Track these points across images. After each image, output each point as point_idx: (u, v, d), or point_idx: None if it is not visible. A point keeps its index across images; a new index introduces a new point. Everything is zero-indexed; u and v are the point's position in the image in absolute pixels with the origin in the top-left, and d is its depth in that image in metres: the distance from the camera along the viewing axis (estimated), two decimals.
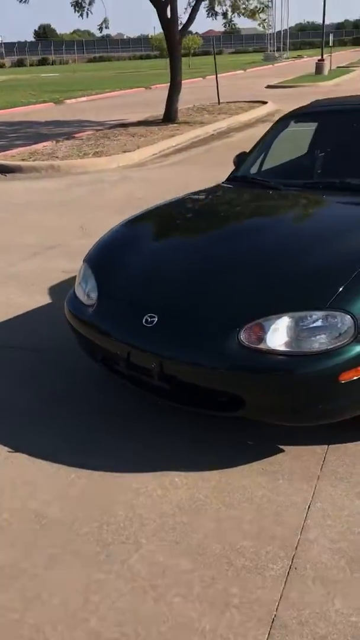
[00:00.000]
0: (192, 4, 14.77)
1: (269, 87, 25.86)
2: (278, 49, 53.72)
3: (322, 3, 29.08)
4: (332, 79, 27.99)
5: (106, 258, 3.32)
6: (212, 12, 16.29)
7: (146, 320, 2.77)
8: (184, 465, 2.80)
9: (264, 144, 4.30)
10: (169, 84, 15.43)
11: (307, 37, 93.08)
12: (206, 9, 15.96)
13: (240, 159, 4.46)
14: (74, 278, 5.20)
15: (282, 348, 2.50)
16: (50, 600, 2.16)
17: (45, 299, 4.85)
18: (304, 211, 3.37)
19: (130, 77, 36.74)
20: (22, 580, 2.25)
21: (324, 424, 2.75)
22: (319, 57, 31.73)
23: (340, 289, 2.53)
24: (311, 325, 2.50)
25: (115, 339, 2.87)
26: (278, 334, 2.51)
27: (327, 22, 33.74)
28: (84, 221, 7.10)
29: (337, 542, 2.32)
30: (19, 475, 2.82)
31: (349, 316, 2.47)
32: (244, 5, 16.02)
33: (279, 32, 51.90)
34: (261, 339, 2.52)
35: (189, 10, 14.82)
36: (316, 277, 2.66)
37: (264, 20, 16.80)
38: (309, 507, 2.51)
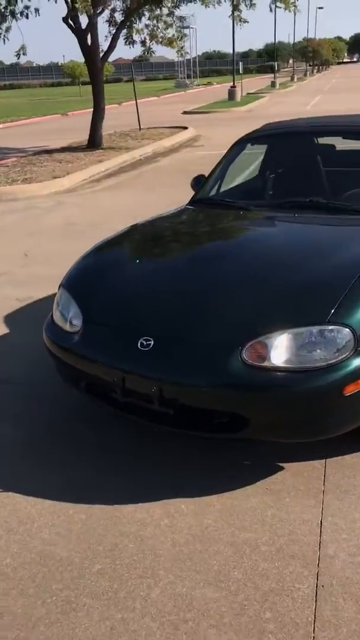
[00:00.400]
0: (113, 32, 14.88)
1: (185, 112, 26.40)
2: (188, 76, 54.99)
3: (232, 33, 30.06)
4: (245, 105, 28.94)
5: (86, 283, 3.23)
6: (130, 40, 16.46)
7: (141, 344, 2.70)
8: (186, 491, 2.74)
9: (223, 166, 4.35)
10: (85, 110, 15.47)
11: (214, 65, 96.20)
12: (124, 37, 16.11)
13: (198, 182, 4.49)
14: (31, 305, 5.09)
15: (286, 365, 2.50)
16: None
17: (4, 329, 4.67)
18: (283, 230, 3.41)
19: (45, 104, 36.56)
20: (40, 629, 2.11)
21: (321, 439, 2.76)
22: (231, 84, 32.73)
23: (337, 304, 2.56)
24: (312, 340, 2.52)
25: (108, 366, 2.78)
26: (281, 351, 2.51)
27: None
28: (25, 248, 6.93)
29: (357, 555, 2.32)
30: (13, 515, 2.66)
31: (347, 329, 2.50)
32: (161, 34, 16.29)
33: (188, 60, 53.15)
34: (265, 357, 2.51)
35: (110, 38, 14.92)
36: (311, 293, 2.69)
37: (182, 48, 17.13)
38: (321, 522, 2.50)
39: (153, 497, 2.71)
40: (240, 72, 34.01)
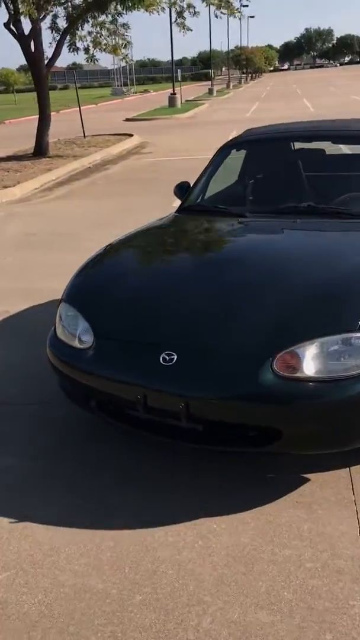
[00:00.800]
0: (57, 39, 14.64)
1: (127, 120, 26.33)
2: (124, 84, 54.94)
3: (170, 41, 30.18)
4: (186, 112, 29.10)
5: (93, 297, 3.10)
6: (73, 47, 16.23)
7: (164, 359, 2.60)
8: (213, 509, 2.64)
9: (210, 172, 4.29)
10: (23, 118, 15.17)
11: (148, 73, 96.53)
12: (67, 44, 15.88)
13: (182, 189, 4.41)
14: (9, 320, 4.87)
15: (318, 375, 2.45)
16: None
17: None
18: (288, 236, 3.35)
19: None
20: None
21: None
22: (170, 91, 32.85)
23: None
24: (343, 349, 2.48)
25: (127, 383, 2.66)
26: (312, 361, 2.46)
27: (167, 59, 35.07)
28: None
29: None
30: (36, 547, 2.50)
31: None
32: (105, 42, 16.15)
33: (124, 67, 53.10)
34: (297, 367, 2.45)
35: (54, 45, 14.68)
36: (336, 300, 2.66)
37: (126, 55, 17.05)
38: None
39: (181, 518, 2.60)
40: (179, 79, 34.13)
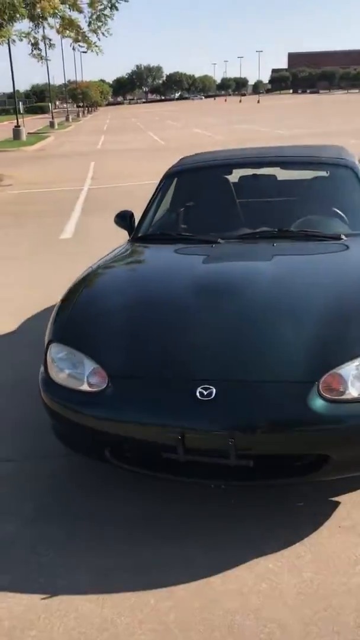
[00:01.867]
0: None
1: None
2: None
3: (11, 73, 29.58)
4: (34, 144, 28.68)
5: (93, 335, 2.83)
6: None
7: (201, 393, 2.43)
8: (262, 549, 2.51)
9: (158, 200, 4.19)
10: None
11: None
12: None
13: (124, 218, 4.26)
14: None
15: None
16: None
17: None
18: (277, 260, 3.29)
19: None
20: None
21: None
22: (15, 124, 32.21)
23: None
24: None
25: (163, 425, 2.45)
26: (356, 381, 2.44)
27: None
28: None
29: None
30: (85, 622, 2.21)
31: None
32: None
33: None
34: (343, 389, 2.42)
35: None
36: None
37: None
38: None
39: (230, 564, 2.43)
40: (21, 112, 33.60)
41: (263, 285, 2.96)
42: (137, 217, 4.22)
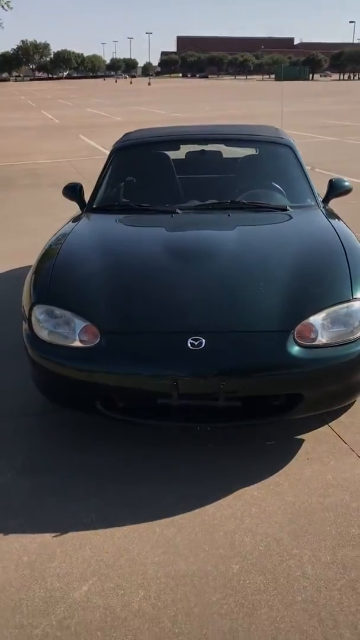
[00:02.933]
0: None
1: None
2: None
3: None
4: None
5: (80, 295, 3.00)
6: None
7: (192, 344, 2.70)
8: (244, 481, 2.82)
9: (110, 173, 4.36)
10: None
11: None
12: None
13: (73, 190, 4.40)
14: None
15: (330, 340, 2.79)
16: None
17: None
18: (238, 228, 3.56)
19: None
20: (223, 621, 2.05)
21: None
22: None
23: (351, 282, 2.96)
24: (346, 315, 2.86)
25: (158, 374, 2.70)
26: (324, 329, 2.80)
27: None
28: None
29: None
30: (101, 552, 2.43)
31: None
32: None
33: None
34: (314, 337, 2.77)
35: None
36: (326, 276, 3.04)
37: None
38: None
39: (219, 494, 2.74)
40: None
41: (233, 249, 3.26)
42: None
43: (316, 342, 2.77)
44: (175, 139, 4.75)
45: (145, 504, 2.69)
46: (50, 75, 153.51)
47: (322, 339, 2.79)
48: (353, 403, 3.29)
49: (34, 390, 3.17)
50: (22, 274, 4.95)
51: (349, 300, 2.90)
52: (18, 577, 2.32)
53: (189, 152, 4.77)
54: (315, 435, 3.17)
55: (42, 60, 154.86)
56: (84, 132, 20.37)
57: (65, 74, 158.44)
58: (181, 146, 4.72)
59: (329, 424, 3.25)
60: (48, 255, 3.40)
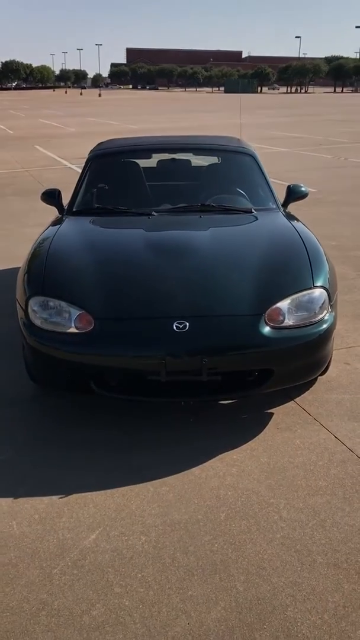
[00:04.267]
0: None
1: None
2: None
3: None
4: None
5: (74, 286, 3.33)
6: None
7: (177, 327, 3.08)
8: (223, 448, 3.20)
9: (88, 179, 4.71)
10: None
11: None
12: None
13: (52, 195, 4.73)
14: None
15: (296, 322, 3.22)
16: None
17: None
18: (217, 228, 3.95)
19: None
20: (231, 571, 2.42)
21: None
22: None
23: (312, 272, 3.40)
24: (309, 300, 3.29)
25: (146, 354, 3.06)
26: (291, 312, 3.23)
27: None
28: None
29: None
30: (103, 509, 2.77)
31: (323, 290, 3.36)
32: None
33: None
34: (282, 319, 3.19)
35: None
36: (289, 268, 3.46)
37: None
38: (337, 438, 3.29)
39: (203, 459, 3.11)
40: None
41: (208, 245, 3.67)
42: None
43: (284, 324, 3.19)
44: (147, 148, 5.15)
45: (139, 469, 3.04)
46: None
47: (289, 321, 3.21)
48: (315, 380, 3.73)
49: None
50: None
51: (310, 288, 3.33)
52: (32, 531, 2.64)
53: (160, 160, 5.17)
54: (283, 409, 3.58)
55: None
56: (39, 142, 20.54)
57: (13, 84, 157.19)
58: (152, 155, 5.11)
59: (295, 400, 3.67)
60: (38, 253, 3.72)
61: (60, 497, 2.85)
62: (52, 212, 4.86)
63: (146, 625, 2.16)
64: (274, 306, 3.21)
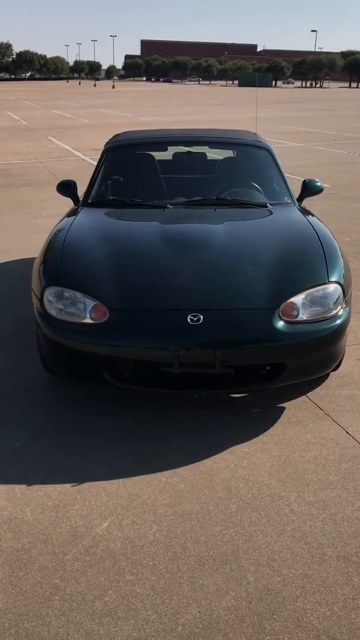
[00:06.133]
0: None
1: None
2: None
3: None
4: None
5: (90, 278, 3.35)
6: None
7: (191, 320, 3.09)
8: (235, 441, 3.22)
9: (104, 171, 4.73)
10: None
11: None
12: None
13: (67, 186, 4.75)
14: None
15: (311, 317, 3.23)
16: None
17: None
18: (227, 221, 3.98)
19: None
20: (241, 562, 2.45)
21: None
22: None
23: (326, 267, 3.40)
24: (323, 295, 3.30)
25: (160, 345, 3.08)
26: (305, 307, 3.23)
27: None
28: None
29: None
30: (115, 497, 2.80)
31: (339, 285, 3.36)
32: None
33: None
34: (296, 314, 3.20)
35: None
36: (306, 261, 3.47)
37: None
38: (348, 433, 3.30)
39: (214, 451, 3.13)
40: None
41: (223, 239, 3.68)
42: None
43: (298, 319, 3.20)
44: (163, 141, 5.16)
45: (151, 459, 3.07)
46: (12, 76, 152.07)
47: (303, 316, 3.22)
48: (328, 375, 3.74)
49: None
50: (5, 268, 5.31)
51: (325, 283, 3.34)
52: (45, 517, 2.67)
53: (176, 152, 5.18)
54: (295, 404, 3.59)
55: (4, 60, 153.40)
56: (52, 133, 20.57)
57: (27, 75, 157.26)
58: (168, 147, 5.12)
59: (307, 395, 3.68)
60: (54, 244, 3.75)
61: (73, 485, 2.88)
62: (65, 204, 4.89)
63: (157, 612, 2.18)
64: (289, 301, 3.22)
